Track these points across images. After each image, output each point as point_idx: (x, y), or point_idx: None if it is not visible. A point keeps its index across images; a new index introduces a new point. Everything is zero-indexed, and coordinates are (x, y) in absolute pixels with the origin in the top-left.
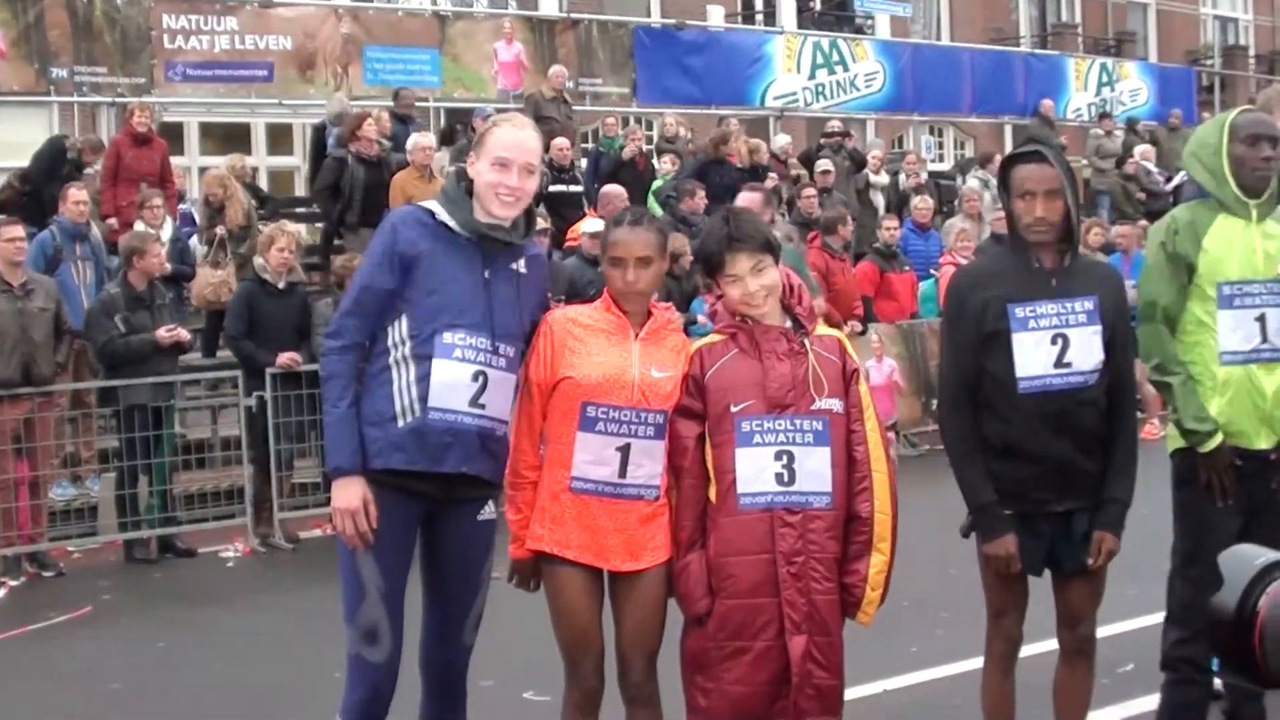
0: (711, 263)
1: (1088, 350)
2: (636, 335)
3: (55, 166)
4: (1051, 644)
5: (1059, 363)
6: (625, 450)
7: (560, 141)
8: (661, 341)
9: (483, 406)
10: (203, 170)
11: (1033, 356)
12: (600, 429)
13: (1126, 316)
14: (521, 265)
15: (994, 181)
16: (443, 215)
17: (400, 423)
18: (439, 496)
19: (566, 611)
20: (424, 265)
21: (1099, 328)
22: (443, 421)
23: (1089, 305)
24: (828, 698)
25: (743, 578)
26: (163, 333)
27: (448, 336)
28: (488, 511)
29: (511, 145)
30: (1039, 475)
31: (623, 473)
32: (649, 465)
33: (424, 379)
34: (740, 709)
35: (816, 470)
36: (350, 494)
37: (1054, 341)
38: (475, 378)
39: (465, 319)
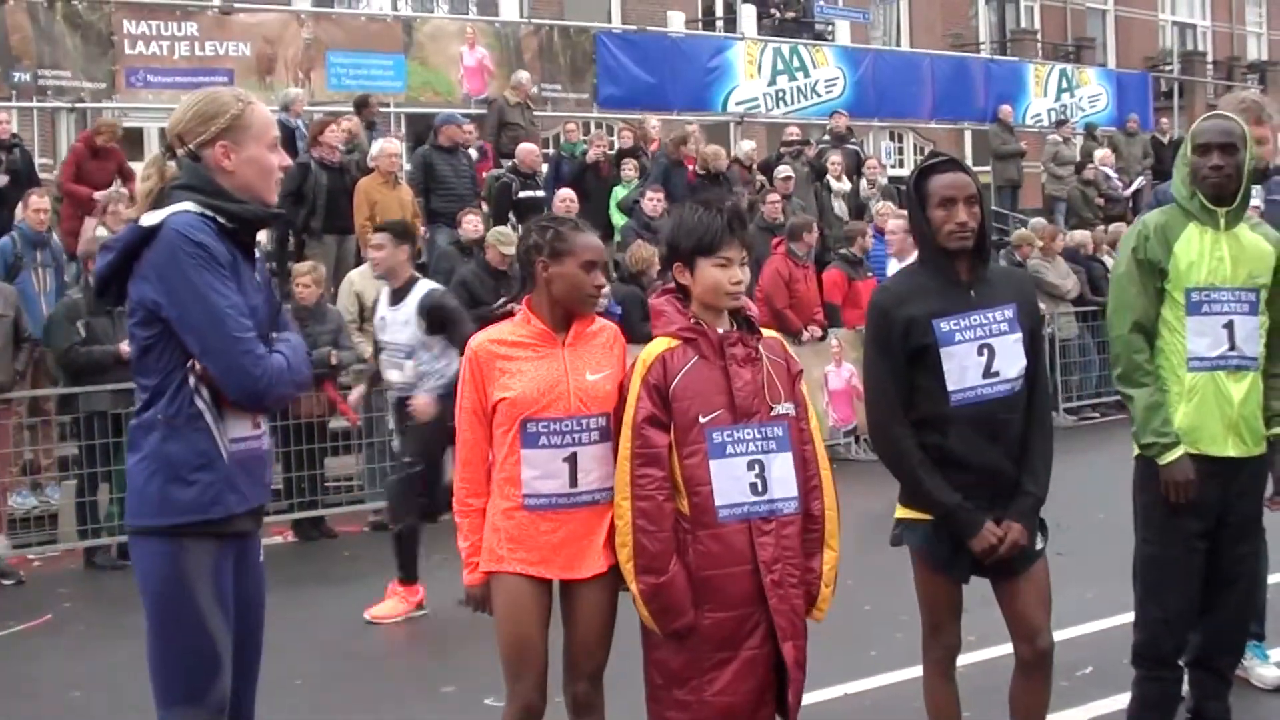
0: (702, 243)
1: (1012, 358)
2: (564, 343)
3: None
4: (1007, 647)
5: (987, 372)
6: (573, 460)
7: (529, 148)
8: (590, 342)
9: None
10: None
11: (963, 369)
12: (544, 443)
13: (1040, 321)
14: (256, 250)
15: None
16: (224, 219)
17: (225, 455)
18: (249, 531)
19: (512, 624)
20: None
21: (1020, 335)
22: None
23: (1009, 313)
24: (801, 700)
25: (729, 590)
26: (125, 346)
27: None
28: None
29: (274, 123)
30: (973, 484)
31: (574, 482)
32: (598, 470)
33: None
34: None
35: (783, 476)
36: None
37: (980, 352)
38: None
39: (261, 331)
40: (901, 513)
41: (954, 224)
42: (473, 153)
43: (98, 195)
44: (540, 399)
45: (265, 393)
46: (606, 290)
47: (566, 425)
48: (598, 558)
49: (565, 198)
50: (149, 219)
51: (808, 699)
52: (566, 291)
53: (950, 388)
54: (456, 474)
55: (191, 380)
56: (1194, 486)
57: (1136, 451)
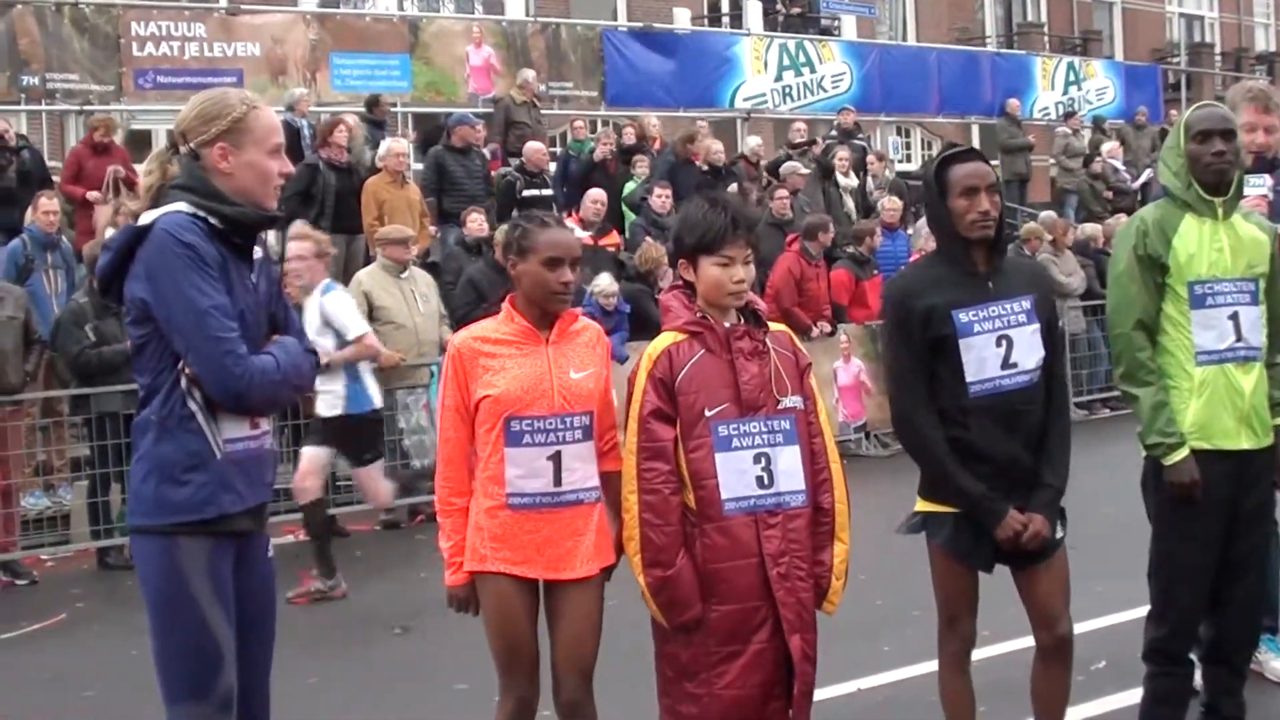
0: (704, 241)
1: (1030, 349)
2: (547, 340)
3: None
4: (1022, 641)
5: (1005, 364)
6: (557, 458)
7: (536, 146)
8: (574, 340)
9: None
10: None
11: (982, 360)
12: (527, 441)
13: (1056, 312)
14: (258, 250)
15: None
16: (216, 221)
17: (218, 454)
18: (249, 530)
19: (502, 621)
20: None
21: (1037, 326)
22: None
23: (1026, 304)
24: (812, 694)
25: (736, 583)
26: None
27: None
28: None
29: (279, 129)
30: (991, 474)
31: (558, 481)
32: (583, 469)
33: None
34: (733, 713)
35: (790, 469)
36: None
37: (999, 343)
38: None
39: (249, 334)
40: (923, 505)
41: (977, 213)
42: (486, 153)
43: (90, 195)
44: (524, 396)
45: (245, 393)
46: (615, 290)
47: (550, 423)
48: (585, 560)
49: (596, 199)
50: (144, 218)
51: (821, 694)
52: (532, 288)
53: (969, 379)
54: (442, 472)
55: (184, 381)
56: (1199, 486)
57: (1144, 451)
